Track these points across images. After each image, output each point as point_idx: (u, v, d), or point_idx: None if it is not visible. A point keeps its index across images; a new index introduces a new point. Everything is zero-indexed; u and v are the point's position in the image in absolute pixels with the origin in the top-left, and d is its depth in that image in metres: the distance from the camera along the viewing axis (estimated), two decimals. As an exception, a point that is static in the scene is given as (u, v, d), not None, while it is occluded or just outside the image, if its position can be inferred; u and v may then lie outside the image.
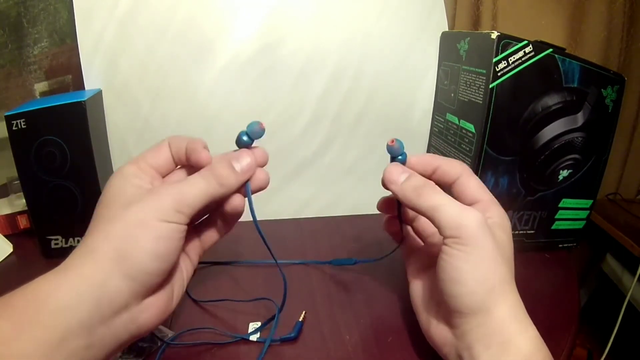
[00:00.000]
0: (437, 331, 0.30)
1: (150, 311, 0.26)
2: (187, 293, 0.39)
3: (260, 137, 0.30)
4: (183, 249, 0.30)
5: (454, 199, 0.29)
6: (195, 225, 0.33)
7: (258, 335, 0.35)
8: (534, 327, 0.27)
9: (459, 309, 0.27)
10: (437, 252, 0.29)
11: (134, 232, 0.25)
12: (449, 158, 0.33)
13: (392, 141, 0.31)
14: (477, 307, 0.27)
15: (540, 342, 0.27)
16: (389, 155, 0.32)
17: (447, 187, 0.32)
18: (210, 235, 0.32)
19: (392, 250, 0.37)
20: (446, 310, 0.29)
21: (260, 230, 0.30)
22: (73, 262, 0.25)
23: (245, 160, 0.29)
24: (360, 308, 0.40)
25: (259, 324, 0.37)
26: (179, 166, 0.30)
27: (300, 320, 0.36)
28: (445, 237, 0.28)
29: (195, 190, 0.27)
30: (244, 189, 0.30)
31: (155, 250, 0.25)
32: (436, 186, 0.30)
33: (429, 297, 0.32)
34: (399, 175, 0.31)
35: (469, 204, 0.30)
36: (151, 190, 0.27)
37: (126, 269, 0.24)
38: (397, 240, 0.37)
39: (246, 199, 0.30)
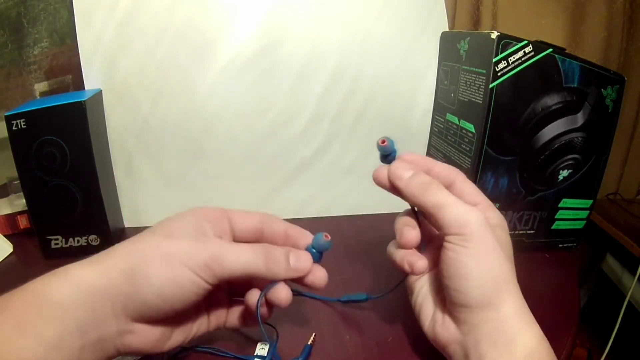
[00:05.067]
0: (443, 329, 0.29)
1: (137, 337, 0.26)
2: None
3: (327, 249, 0.30)
4: (208, 309, 0.30)
5: (458, 198, 0.29)
6: (235, 299, 0.32)
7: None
8: (537, 324, 0.27)
9: (466, 303, 0.27)
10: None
11: (153, 261, 0.25)
12: (443, 163, 0.33)
13: (384, 141, 0.31)
14: (484, 300, 0.27)
15: (544, 340, 0.27)
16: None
17: None
18: (234, 319, 0.32)
19: (397, 283, 0.35)
20: (453, 306, 0.29)
21: (262, 328, 0.28)
22: (91, 259, 0.25)
23: (304, 262, 0.29)
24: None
25: (266, 344, 0.34)
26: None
27: (309, 343, 0.34)
28: (448, 235, 0.28)
29: (236, 256, 0.26)
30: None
31: (161, 289, 0.25)
32: (441, 185, 0.30)
33: (434, 296, 0.32)
34: (404, 171, 0.31)
35: None
36: (202, 236, 0.27)
37: (130, 287, 0.24)
38: (402, 273, 0.33)
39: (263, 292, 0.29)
